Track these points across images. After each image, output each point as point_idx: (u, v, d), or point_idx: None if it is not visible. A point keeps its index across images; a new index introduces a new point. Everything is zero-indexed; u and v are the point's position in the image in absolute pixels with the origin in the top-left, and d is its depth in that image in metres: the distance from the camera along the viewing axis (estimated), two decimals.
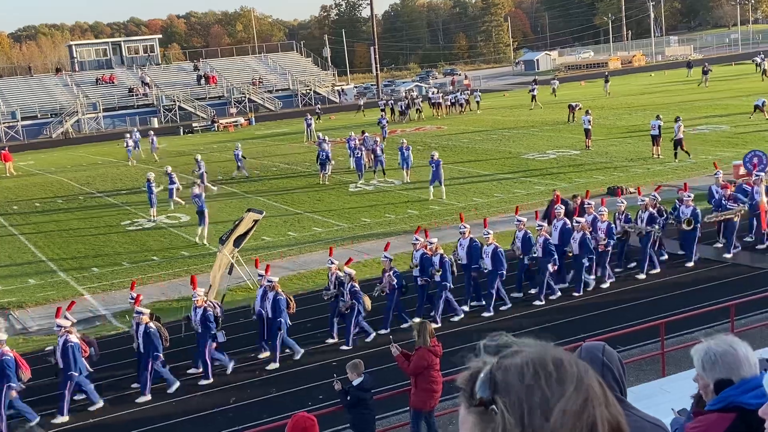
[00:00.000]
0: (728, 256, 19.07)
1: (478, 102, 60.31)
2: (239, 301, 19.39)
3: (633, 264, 18.81)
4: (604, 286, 17.90)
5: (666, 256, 19.41)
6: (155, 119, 72.33)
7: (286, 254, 23.51)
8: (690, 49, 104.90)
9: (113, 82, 76.93)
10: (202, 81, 79.03)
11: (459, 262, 17.45)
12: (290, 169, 39.30)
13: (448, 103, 60.99)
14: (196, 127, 67.52)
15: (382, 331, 16.23)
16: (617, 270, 18.57)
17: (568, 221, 18.13)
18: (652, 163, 31.77)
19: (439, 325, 16.19)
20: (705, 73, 62.17)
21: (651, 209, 18.58)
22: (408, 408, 11.73)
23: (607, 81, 64.02)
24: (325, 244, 24.02)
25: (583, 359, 3.11)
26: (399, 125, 54.87)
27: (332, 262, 16.78)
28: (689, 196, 18.86)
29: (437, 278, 16.57)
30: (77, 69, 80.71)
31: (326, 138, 37.06)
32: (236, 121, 68.29)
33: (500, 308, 17.12)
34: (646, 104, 51.47)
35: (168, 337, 14.70)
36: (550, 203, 20.59)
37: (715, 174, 20.89)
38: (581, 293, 17.55)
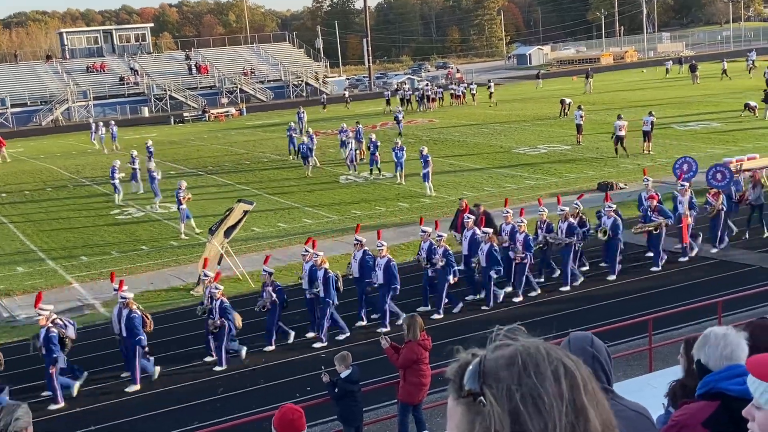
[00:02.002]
0: (654, 268, 18.49)
1: (473, 94, 60.38)
2: (229, 292, 19.33)
3: (557, 274, 18.20)
4: (517, 299, 17.14)
5: (587, 267, 18.77)
6: (146, 108, 72.01)
7: (276, 245, 23.49)
8: (682, 46, 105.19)
9: (104, 71, 76.55)
10: (194, 70, 78.72)
11: (351, 275, 16.70)
12: (281, 160, 39.20)
13: (440, 96, 61.01)
14: (187, 116, 67.26)
15: (268, 348, 15.52)
16: (539, 280, 17.87)
17: (478, 231, 17.26)
18: (642, 158, 31.85)
19: (325, 344, 15.40)
20: (693, 70, 62.27)
21: (571, 219, 17.77)
22: (396, 401, 11.75)
23: (588, 77, 62.50)
24: (315, 236, 24.00)
25: (572, 352, 3.16)
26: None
27: (206, 275, 15.82)
28: (610, 207, 18.20)
29: (321, 294, 15.59)
30: (68, 56, 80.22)
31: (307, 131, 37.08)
32: (227, 112, 68.08)
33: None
34: (638, 100, 51.53)
35: (1, 360, 13.64)
36: (458, 212, 19.70)
37: (644, 181, 20.15)
38: (491, 305, 16.81)
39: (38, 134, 64.31)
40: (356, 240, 16.85)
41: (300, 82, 79.13)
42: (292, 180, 33.61)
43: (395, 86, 68.32)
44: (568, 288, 17.63)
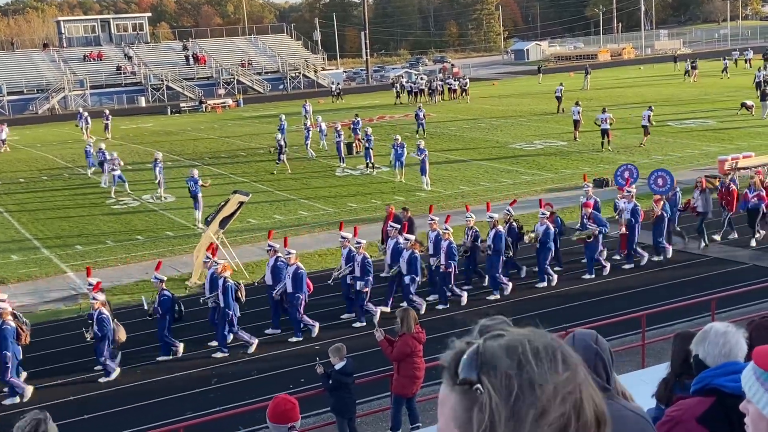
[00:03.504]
0: (587, 276, 18.13)
1: (465, 89, 60.28)
2: None
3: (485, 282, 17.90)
4: (441, 307, 16.71)
5: (524, 274, 18.32)
6: (142, 98, 71.85)
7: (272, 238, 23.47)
8: (679, 44, 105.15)
9: (101, 60, 76.35)
10: (191, 61, 78.53)
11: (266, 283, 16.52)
12: (277, 152, 39.07)
13: (441, 90, 60.94)
14: (184, 107, 67.07)
15: (161, 358, 15.09)
16: (466, 287, 17.52)
17: (401, 240, 16.79)
18: (639, 155, 31.89)
19: (227, 354, 15.07)
20: (693, 68, 62.29)
21: (500, 227, 17.19)
22: (389, 393, 11.78)
23: (587, 74, 62.27)
24: (310, 228, 24.06)
25: (575, 346, 3.17)
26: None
27: (90, 285, 15.21)
28: (544, 214, 17.82)
29: (221, 304, 15.08)
30: (65, 45, 79.96)
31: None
32: (224, 103, 67.93)
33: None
34: (635, 97, 51.53)
35: None
36: (385, 219, 19.34)
37: (584, 187, 19.89)
38: (422, 312, 16.18)
39: (34, 122, 64.08)
40: (269, 246, 16.61)
41: (297, 74, 78.99)
42: (289, 172, 33.55)
43: (401, 80, 67.74)
44: (497, 296, 17.24)
